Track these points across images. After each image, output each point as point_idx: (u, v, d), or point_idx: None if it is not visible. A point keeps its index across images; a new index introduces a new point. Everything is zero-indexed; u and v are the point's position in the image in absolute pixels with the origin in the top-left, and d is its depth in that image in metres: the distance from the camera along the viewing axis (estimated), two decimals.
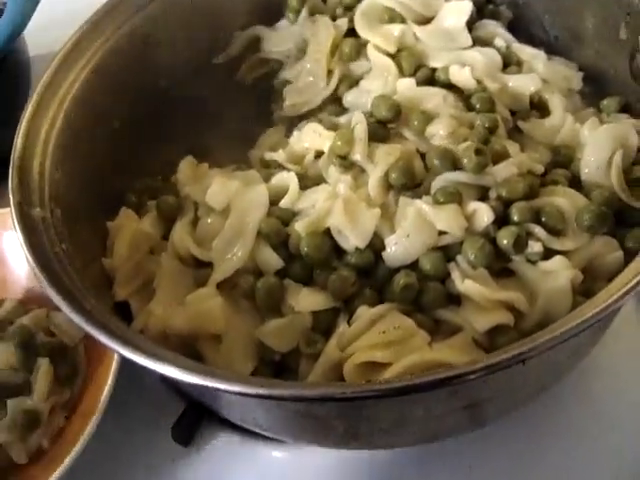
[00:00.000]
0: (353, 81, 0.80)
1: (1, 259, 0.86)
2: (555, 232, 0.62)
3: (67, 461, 0.68)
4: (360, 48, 0.80)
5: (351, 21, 0.81)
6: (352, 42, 0.80)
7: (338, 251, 0.65)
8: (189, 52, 0.83)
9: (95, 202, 0.73)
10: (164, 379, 0.78)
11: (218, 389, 0.48)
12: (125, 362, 0.72)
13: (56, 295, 0.57)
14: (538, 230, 0.61)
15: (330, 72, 0.80)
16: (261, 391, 0.47)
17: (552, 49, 0.78)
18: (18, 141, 0.68)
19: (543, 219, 0.62)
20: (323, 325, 0.61)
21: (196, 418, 0.76)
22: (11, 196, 0.64)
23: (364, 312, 0.60)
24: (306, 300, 0.62)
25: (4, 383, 0.75)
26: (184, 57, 0.83)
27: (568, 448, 0.70)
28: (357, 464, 0.72)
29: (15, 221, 0.62)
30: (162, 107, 0.82)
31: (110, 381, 0.71)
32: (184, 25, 0.82)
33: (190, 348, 0.64)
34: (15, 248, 0.85)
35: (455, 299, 0.61)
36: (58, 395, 0.75)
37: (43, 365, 0.75)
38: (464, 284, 0.59)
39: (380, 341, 0.57)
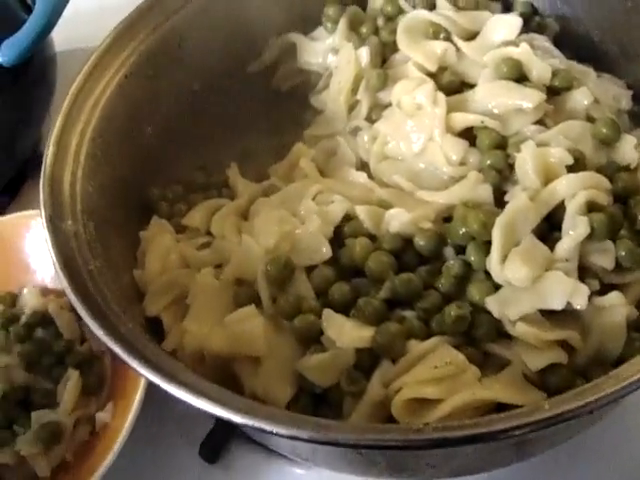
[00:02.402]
0: (382, 109, 0.76)
1: (25, 264, 0.84)
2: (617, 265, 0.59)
3: (94, 477, 0.67)
4: (386, 77, 0.76)
5: (393, 32, 0.77)
6: (377, 73, 0.76)
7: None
8: (223, 56, 0.81)
9: (127, 211, 0.71)
10: None
11: (263, 430, 0.46)
12: None
13: (91, 320, 0.55)
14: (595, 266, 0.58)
15: (352, 105, 0.78)
16: (313, 435, 0.44)
17: (599, 65, 0.75)
18: (49, 150, 0.66)
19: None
20: (366, 362, 0.58)
21: (224, 436, 0.74)
22: (42, 210, 0.62)
23: (414, 346, 0.57)
24: (349, 336, 0.58)
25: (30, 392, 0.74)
26: (218, 61, 0.80)
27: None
28: None
29: (47, 237, 0.61)
30: (195, 112, 0.80)
31: (138, 396, 0.69)
32: (218, 28, 0.80)
33: (226, 369, 0.61)
34: (38, 252, 0.83)
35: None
36: (83, 408, 0.74)
37: (72, 377, 0.73)
38: (516, 327, 0.56)
39: (431, 377, 0.54)
